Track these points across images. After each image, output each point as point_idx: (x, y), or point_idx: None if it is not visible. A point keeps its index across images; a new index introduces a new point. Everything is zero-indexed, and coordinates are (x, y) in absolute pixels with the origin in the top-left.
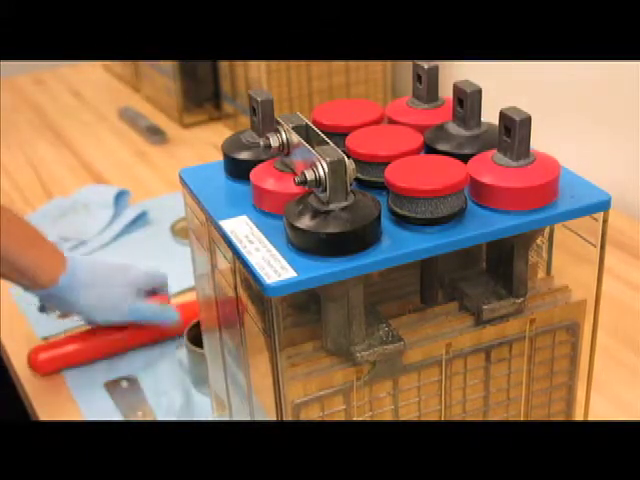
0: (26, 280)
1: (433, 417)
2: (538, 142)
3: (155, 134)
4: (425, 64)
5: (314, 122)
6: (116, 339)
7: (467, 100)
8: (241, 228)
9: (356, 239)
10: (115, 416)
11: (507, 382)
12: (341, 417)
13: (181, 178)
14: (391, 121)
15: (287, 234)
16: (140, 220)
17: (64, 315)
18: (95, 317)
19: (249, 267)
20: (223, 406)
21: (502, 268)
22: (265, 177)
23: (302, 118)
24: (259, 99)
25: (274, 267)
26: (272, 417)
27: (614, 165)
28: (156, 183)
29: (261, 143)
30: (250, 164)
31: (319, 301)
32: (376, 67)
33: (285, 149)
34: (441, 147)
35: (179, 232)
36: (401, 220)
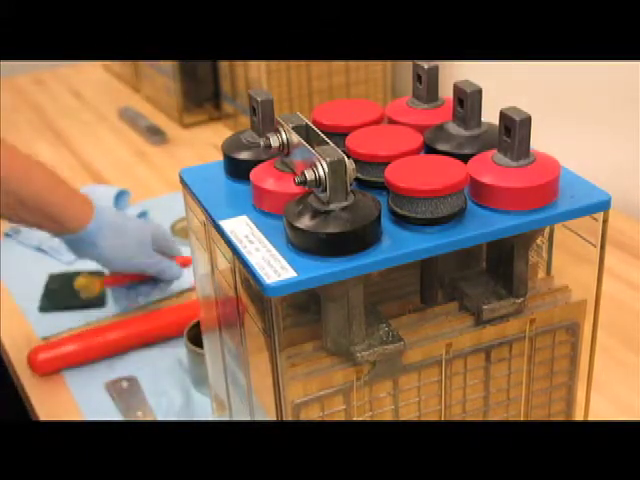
0: (55, 225)
1: (433, 417)
2: (538, 142)
3: (155, 134)
4: (425, 64)
5: (314, 122)
6: (116, 339)
7: (467, 100)
8: (241, 228)
9: (356, 239)
10: (115, 416)
11: (507, 382)
12: (341, 417)
13: (181, 178)
14: (391, 121)
15: (287, 234)
16: None
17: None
18: (114, 265)
19: (249, 267)
20: (223, 406)
21: (502, 268)
22: (265, 177)
23: (302, 118)
24: (259, 99)
25: (274, 267)
26: (272, 417)
27: (614, 165)
28: (156, 183)
29: (261, 143)
30: (250, 164)
31: (319, 301)
32: (376, 67)
33: (285, 149)
34: (441, 147)
35: (179, 232)
36: (401, 220)
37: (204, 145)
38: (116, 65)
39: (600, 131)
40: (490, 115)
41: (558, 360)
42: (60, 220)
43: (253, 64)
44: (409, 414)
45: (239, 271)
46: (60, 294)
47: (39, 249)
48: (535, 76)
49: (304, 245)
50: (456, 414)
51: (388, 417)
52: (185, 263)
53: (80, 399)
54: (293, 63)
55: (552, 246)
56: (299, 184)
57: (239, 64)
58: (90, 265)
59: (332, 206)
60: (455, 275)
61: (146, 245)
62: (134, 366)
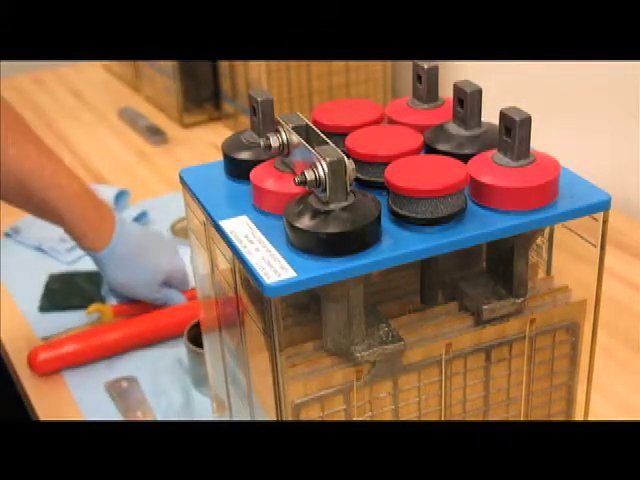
0: (72, 237)
1: (433, 417)
2: (538, 142)
3: (155, 134)
4: (425, 64)
5: (314, 122)
6: (116, 339)
7: (467, 100)
8: (241, 228)
9: (356, 239)
10: (115, 416)
11: (507, 382)
12: (341, 417)
13: (181, 178)
14: (391, 121)
15: (287, 234)
16: (140, 220)
17: None
18: (122, 292)
19: (249, 267)
20: (223, 406)
21: (502, 268)
22: (265, 177)
23: (302, 118)
24: (259, 99)
25: (274, 267)
26: (272, 417)
27: (614, 165)
28: (156, 183)
29: (261, 143)
30: (250, 164)
31: (319, 301)
32: (376, 67)
33: (285, 149)
34: (441, 147)
35: (179, 232)
36: (401, 220)
37: (204, 145)
38: (116, 65)
39: (600, 131)
40: (490, 115)
41: (558, 360)
42: (77, 237)
43: (253, 64)
44: (409, 414)
45: (239, 271)
46: (60, 294)
47: (39, 249)
48: (535, 76)
49: (304, 245)
50: (456, 414)
51: (388, 417)
52: (192, 297)
53: (80, 399)
54: (293, 63)
55: (552, 246)
56: (299, 184)
57: (239, 64)
58: (90, 265)
59: (332, 206)
60: (455, 275)
61: (155, 283)
62: (134, 366)
